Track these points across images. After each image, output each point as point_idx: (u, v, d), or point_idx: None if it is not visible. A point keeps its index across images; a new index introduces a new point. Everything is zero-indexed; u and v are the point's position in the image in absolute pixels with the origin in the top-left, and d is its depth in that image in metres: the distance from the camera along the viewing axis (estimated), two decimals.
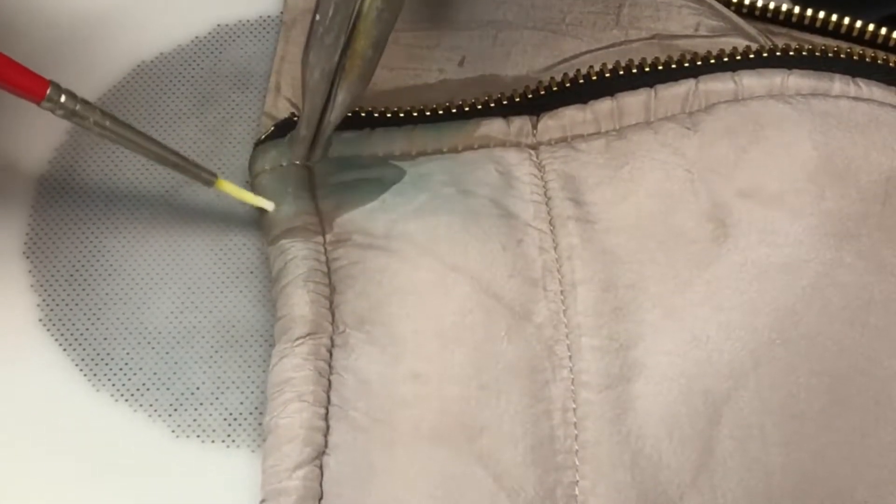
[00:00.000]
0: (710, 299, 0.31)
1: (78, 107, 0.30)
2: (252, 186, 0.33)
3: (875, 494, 0.30)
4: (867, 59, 0.34)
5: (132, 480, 0.29)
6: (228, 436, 0.30)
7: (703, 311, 0.31)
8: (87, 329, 0.32)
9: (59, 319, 0.32)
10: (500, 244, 0.31)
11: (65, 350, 0.31)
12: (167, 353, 0.31)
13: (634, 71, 0.34)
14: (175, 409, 0.30)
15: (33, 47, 0.36)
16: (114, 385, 0.31)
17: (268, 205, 0.32)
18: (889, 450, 0.30)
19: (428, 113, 0.34)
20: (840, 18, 0.37)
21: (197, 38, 0.37)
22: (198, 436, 0.30)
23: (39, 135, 0.35)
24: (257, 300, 0.32)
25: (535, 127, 0.34)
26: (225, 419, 0.30)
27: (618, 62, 0.35)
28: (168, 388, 0.31)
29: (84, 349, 0.31)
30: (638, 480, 0.29)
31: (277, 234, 0.32)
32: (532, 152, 0.33)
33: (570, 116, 0.34)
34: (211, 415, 0.30)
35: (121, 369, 0.31)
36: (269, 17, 0.38)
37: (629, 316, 0.31)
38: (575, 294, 0.31)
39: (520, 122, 0.34)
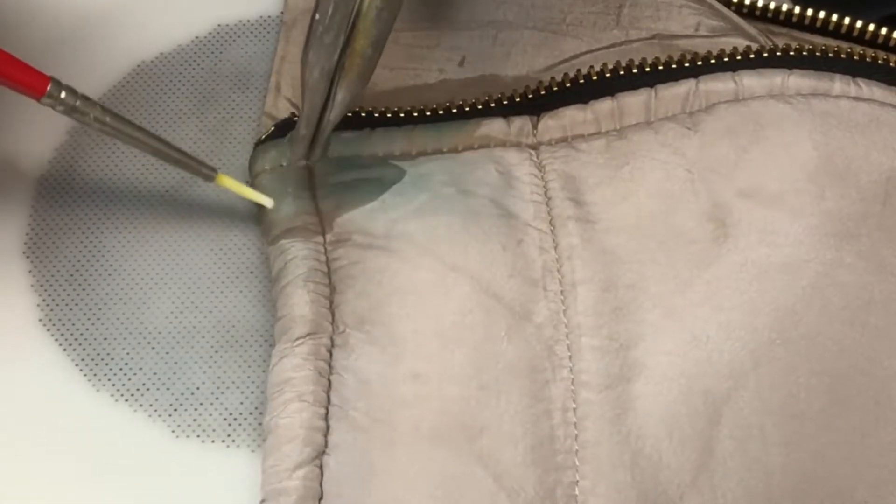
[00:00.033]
0: (711, 299, 0.31)
1: (78, 103, 0.30)
2: (252, 186, 0.33)
3: (875, 494, 0.30)
4: (867, 59, 0.34)
5: (132, 480, 0.29)
6: (228, 436, 0.30)
7: (704, 311, 0.31)
8: (87, 329, 0.32)
9: (59, 319, 0.32)
10: (500, 244, 0.31)
11: (65, 350, 0.31)
12: (167, 353, 0.31)
13: (635, 71, 0.34)
14: (175, 409, 0.30)
15: (33, 47, 0.36)
16: (114, 385, 0.31)
17: (267, 201, 0.32)
18: (889, 450, 0.30)
19: (428, 113, 0.34)
20: (840, 18, 0.37)
21: (197, 38, 0.37)
22: (198, 436, 0.30)
23: (39, 135, 0.35)
24: (257, 300, 0.32)
25: (535, 127, 0.34)
26: (225, 419, 0.30)
27: (618, 62, 0.35)
28: (168, 388, 0.31)
29: (84, 349, 0.31)
30: (638, 480, 0.29)
31: (277, 234, 0.32)
32: (532, 152, 0.33)
33: (571, 116, 0.34)
34: (211, 415, 0.30)
35: (121, 369, 0.31)
36: (269, 17, 0.38)
37: (629, 316, 0.31)
38: (575, 294, 0.31)
39: (520, 122, 0.34)
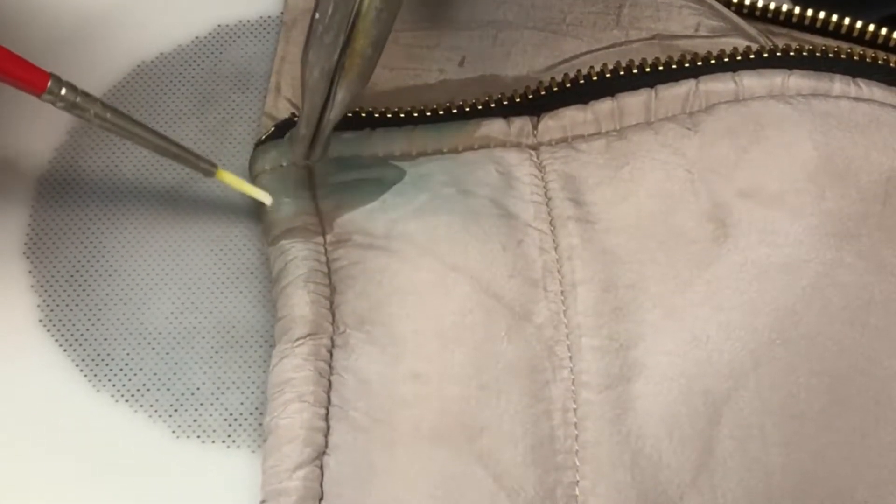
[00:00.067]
0: (711, 299, 0.31)
1: (78, 99, 0.30)
2: None
3: (875, 494, 0.30)
4: (867, 60, 0.34)
5: (132, 481, 0.29)
6: (229, 436, 0.30)
7: (704, 311, 0.31)
8: (88, 329, 0.32)
9: (60, 320, 0.32)
10: (501, 244, 0.31)
11: (65, 350, 0.31)
12: (167, 353, 0.31)
13: (635, 71, 0.34)
14: (175, 410, 0.30)
15: (34, 47, 0.36)
16: (114, 385, 0.31)
17: (266, 198, 0.32)
18: (889, 450, 0.30)
19: (428, 113, 0.34)
20: (840, 19, 0.37)
21: (197, 38, 0.37)
22: (198, 436, 0.30)
23: (39, 135, 0.35)
24: (257, 301, 0.32)
25: (535, 127, 0.34)
26: (225, 419, 0.30)
27: (618, 62, 0.35)
28: (168, 389, 0.31)
29: (84, 349, 0.31)
30: (638, 480, 0.29)
31: (277, 235, 0.32)
32: (532, 153, 0.33)
33: (571, 117, 0.34)
34: (211, 415, 0.30)
35: (121, 370, 0.31)
36: (269, 17, 0.38)
37: (629, 316, 0.31)
38: (575, 294, 0.31)
39: (520, 123, 0.34)
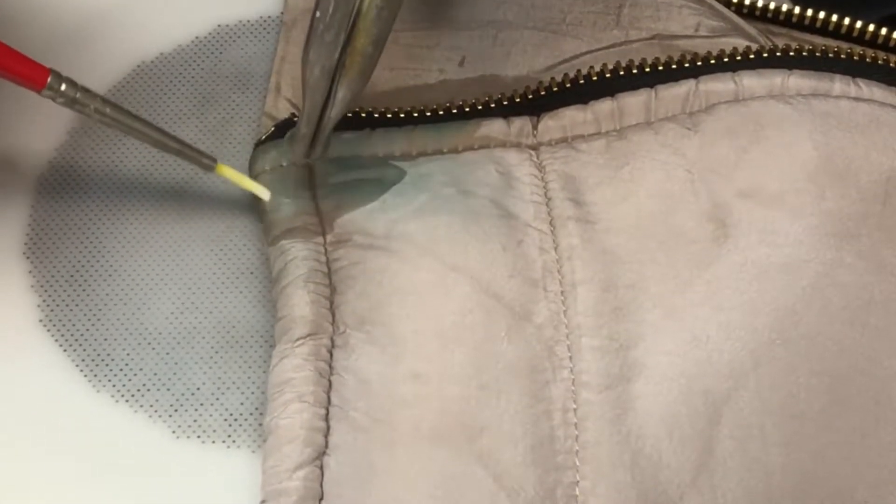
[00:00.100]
0: (711, 299, 0.31)
1: (78, 94, 0.30)
2: None
3: (875, 494, 0.30)
4: (867, 60, 0.34)
5: (132, 481, 0.29)
6: (229, 436, 0.30)
7: (704, 311, 0.31)
8: (88, 329, 0.32)
9: (60, 320, 0.32)
10: (501, 244, 0.31)
11: (65, 350, 0.31)
12: (167, 353, 0.31)
13: (635, 71, 0.34)
14: (175, 410, 0.30)
15: (34, 46, 0.36)
16: (114, 385, 0.31)
17: (265, 193, 0.32)
18: (889, 450, 0.30)
19: (428, 113, 0.34)
20: (840, 18, 0.37)
21: (197, 38, 0.37)
22: (198, 436, 0.30)
23: (40, 135, 0.35)
24: (257, 301, 0.32)
25: (535, 127, 0.34)
26: (225, 420, 0.30)
27: (618, 62, 0.35)
28: (168, 389, 0.31)
29: (84, 349, 0.31)
30: (638, 480, 0.29)
31: (277, 235, 0.32)
32: (532, 153, 0.33)
33: (571, 117, 0.34)
34: (211, 415, 0.30)
35: (121, 370, 0.31)
36: (269, 17, 0.38)
37: (629, 316, 0.31)
38: (575, 294, 0.31)
39: (520, 123, 0.34)
